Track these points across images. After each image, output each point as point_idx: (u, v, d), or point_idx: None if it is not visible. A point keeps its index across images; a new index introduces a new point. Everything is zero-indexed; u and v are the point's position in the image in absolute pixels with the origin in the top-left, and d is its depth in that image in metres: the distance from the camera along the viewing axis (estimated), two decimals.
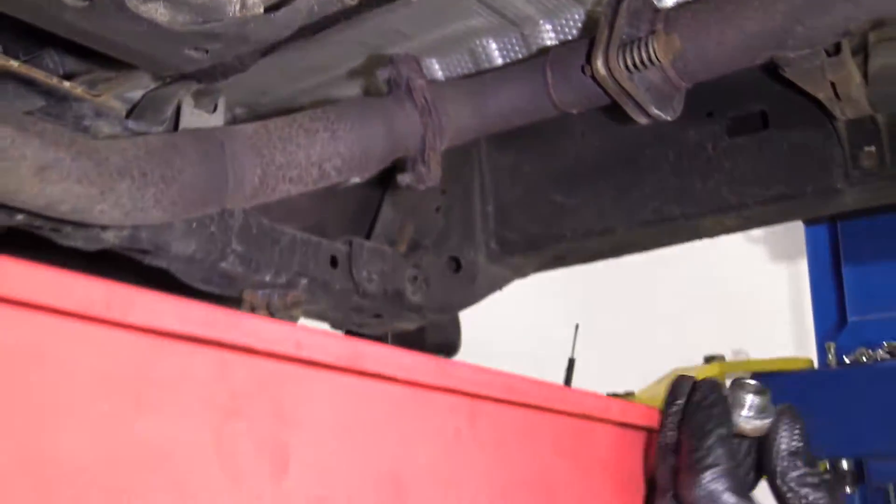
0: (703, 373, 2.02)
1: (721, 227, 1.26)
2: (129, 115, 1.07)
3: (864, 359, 1.92)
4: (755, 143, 1.21)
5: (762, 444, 0.76)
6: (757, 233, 3.67)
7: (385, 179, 1.43)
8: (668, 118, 1.04)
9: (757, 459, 0.78)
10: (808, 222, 2.06)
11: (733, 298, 3.06)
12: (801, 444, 0.76)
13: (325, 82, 1.26)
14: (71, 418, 0.37)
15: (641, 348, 2.63)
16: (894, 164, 1.13)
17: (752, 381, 0.79)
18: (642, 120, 1.05)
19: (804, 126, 1.17)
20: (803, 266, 2.33)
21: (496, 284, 1.41)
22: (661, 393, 2.05)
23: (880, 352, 1.91)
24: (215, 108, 1.10)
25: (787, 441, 0.75)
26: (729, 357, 2.09)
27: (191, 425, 0.40)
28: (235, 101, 1.30)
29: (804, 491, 0.73)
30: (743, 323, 2.74)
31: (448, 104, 1.08)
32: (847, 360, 1.94)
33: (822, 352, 1.99)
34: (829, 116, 1.13)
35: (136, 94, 1.13)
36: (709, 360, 2.06)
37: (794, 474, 0.74)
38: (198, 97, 1.12)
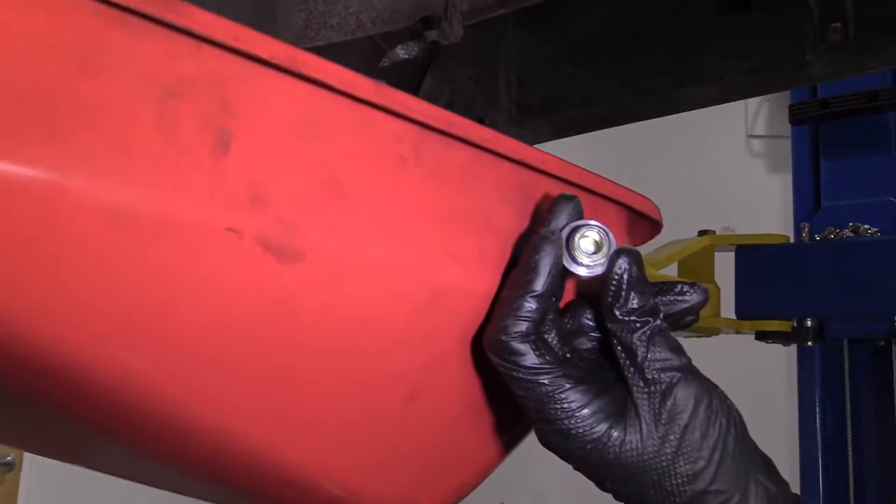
0: (694, 244, 1.95)
1: (703, 96, 1.18)
2: None
3: (832, 236, 1.83)
4: (738, 23, 1.13)
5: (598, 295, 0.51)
6: (757, 149, 3.54)
7: (428, 60, 1.37)
8: None
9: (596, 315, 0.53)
10: (795, 121, 1.94)
11: (732, 192, 2.95)
12: (636, 274, 0.49)
13: None
14: (10, 67, 0.33)
15: None
16: (857, 38, 1.04)
17: (592, 223, 0.50)
18: None
19: (781, 6, 1.08)
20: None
21: None
22: (658, 258, 1.97)
23: (846, 231, 1.82)
24: None
25: (619, 273, 0.49)
26: (719, 232, 2.01)
27: (132, 96, 0.36)
28: None
29: (636, 322, 0.49)
30: (737, 212, 2.64)
31: None
32: (818, 238, 1.86)
33: (797, 230, 1.90)
34: None
35: None
36: (702, 233, 1.99)
37: (625, 307, 0.49)
38: None
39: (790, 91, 2.07)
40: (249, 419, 0.45)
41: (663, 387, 0.49)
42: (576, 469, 0.52)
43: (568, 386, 0.48)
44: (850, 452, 1.84)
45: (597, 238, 0.50)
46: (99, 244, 0.36)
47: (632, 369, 0.49)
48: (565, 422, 0.48)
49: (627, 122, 1.36)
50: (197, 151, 0.38)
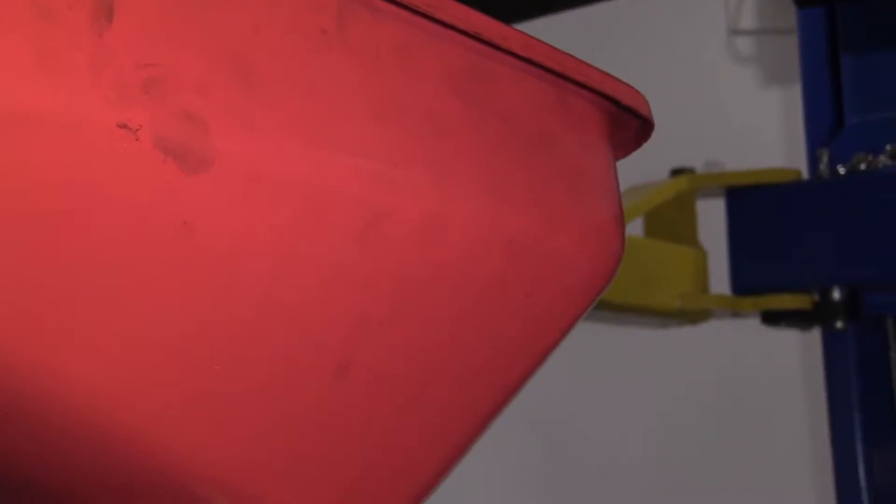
0: (667, 189, 2.02)
1: None
2: None
3: (864, 166, 1.91)
4: None
5: None
6: (745, 50, 3.71)
7: None
8: None
9: None
10: (802, 1, 2.04)
11: (710, 111, 3.10)
12: None
13: None
14: None
15: None
16: None
17: None
18: None
19: None
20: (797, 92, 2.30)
21: None
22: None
23: (882, 157, 1.90)
24: None
25: None
26: (701, 170, 2.12)
27: None
28: None
29: None
30: (720, 137, 2.77)
31: None
32: (842, 171, 1.94)
33: (813, 161, 1.97)
34: None
35: None
36: (676, 172, 2.07)
37: None
38: None
39: None
40: (125, 389, 0.52)
41: None
42: None
43: None
44: None
45: None
46: None
47: None
48: None
49: (569, 7, 1.46)
50: (74, 21, 0.44)
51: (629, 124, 0.72)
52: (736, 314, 1.98)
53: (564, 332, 0.69)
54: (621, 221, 0.71)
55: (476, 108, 0.61)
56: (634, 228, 2.01)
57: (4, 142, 0.43)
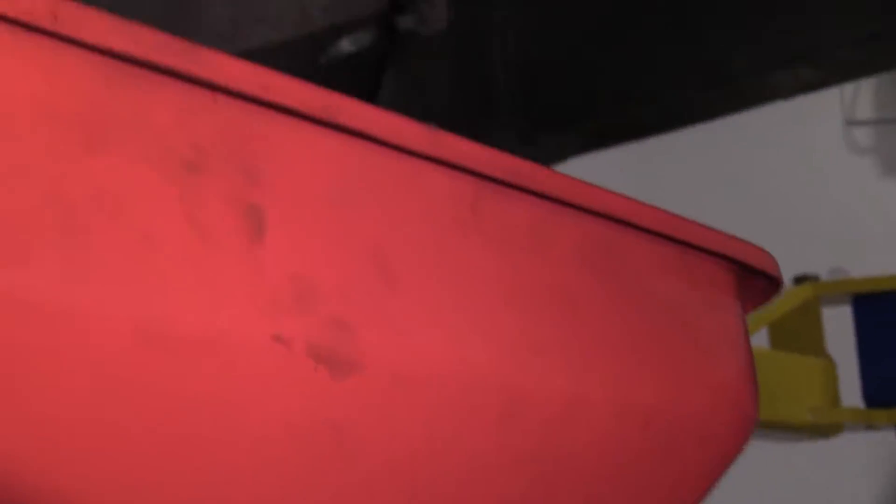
0: (791, 298, 2.04)
1: (795, 82, 1.30)
2: None
3: None
4: None
5: None
6: (863, 141, 3.69)
7: (384, 54, 1.48)
8: None
9: None
10: None
11: (831, 211, 3.09)
12: None
13: None
14: (8, 144, 0.43)
15: None
16: None
17: None
18: None
19: None
20: None
21: None
22: None
23: None
24: None
25: None
26: (825, 277, 2.12)
27: (150, 174, 0.46)
28: None
29: None
30: (843, 239, 2.77)
31: None
32: None
33: None
34: None
35: None
36: (799, 280, 2.09)
37: None
38: None
39: None
40: None
41: None
42: None
43: None
44: None
45: None
46: (120, 370, 0.45)
47: None
48: None
49: (682, 125, 1.48)
50: (230, 240, 0.47)
51: (757, 282, 0.73)
52: (870, 427, 1.96)
53: (704, 494, 0.70)
54: (754, 381, 0.72)
55: (609, 281, 0.63)
56: (759, 340, 2.01)
57: (170, 364, 0.46)
